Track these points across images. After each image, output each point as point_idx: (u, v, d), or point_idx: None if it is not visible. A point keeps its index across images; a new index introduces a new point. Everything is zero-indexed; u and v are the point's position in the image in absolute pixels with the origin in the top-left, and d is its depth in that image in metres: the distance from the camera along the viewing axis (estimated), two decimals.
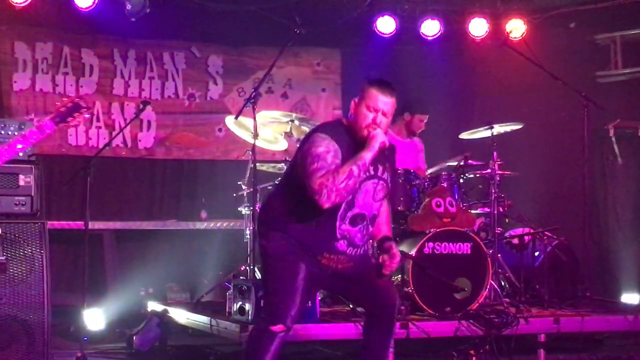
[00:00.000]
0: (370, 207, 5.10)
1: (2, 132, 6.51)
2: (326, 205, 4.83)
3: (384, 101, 5.03)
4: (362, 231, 5.10)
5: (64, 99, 5.46)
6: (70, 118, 5.39)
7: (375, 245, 5.35)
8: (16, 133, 6.50)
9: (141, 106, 7.76)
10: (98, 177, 8.79)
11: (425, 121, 8.62)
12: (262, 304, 5.25)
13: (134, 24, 9.19)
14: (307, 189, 4.86)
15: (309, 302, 6.60)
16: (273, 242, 5.10)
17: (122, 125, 9.60)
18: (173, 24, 9.82)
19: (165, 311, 7.96)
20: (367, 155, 4.90)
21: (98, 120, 9.73)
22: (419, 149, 8.69)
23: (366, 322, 5.41)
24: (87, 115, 5.52)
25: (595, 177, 9.94)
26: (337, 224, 5.02)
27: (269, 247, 5.13)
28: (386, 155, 5.16)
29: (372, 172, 5.07)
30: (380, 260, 5.19)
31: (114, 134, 9.57)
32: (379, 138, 4.94)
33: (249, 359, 5.07)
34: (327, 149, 4.92)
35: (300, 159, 5.02)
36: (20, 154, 5.86)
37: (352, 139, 5.02)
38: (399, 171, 7.75)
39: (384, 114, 5.02)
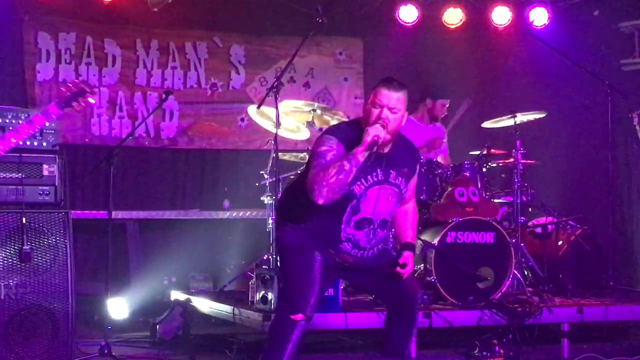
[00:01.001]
0: (377, 213, 5.08)
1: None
2: (320, 201, 4.84)
3: (389, 96, 4.98)
4: (369, 235, 5.10)
5: (68, 84, 5.48)
6: (75, 102, 5.40)
7: (399, 248, 5.34)
8: None
9: (164, 96, 7.77)
10: (121, 167, 8.88)
11: (447, 106, 8.60)
12: (281, 294, 5.28)
13: (156, 14, 9.22)
14: (307, 186, 4.91)
15: (331, 291, 6.62)
16: (288, 233, 5.16)
17: (145, 115, 9.61)
18: (195, 14, 9.83)
19: (188, 300, 7.99)
20: (359, 149, 4.86)
21: (121, 110, 9.75)
22: (441, 135, 8.67)
23: (387, 315, 5.41)
24: (92, 100, 5.49)
25: (619, 166, 9.86)
26: (342, 227, 5.05)
27: (283, 238, 5.20)
28: (404, 158, 5.14)
29: (381, 177, 5.05)
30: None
31: (136, 124, 9.58)
32: (372, 132, 4.87)
33: (271, 347, 5.10)
34: (329, 148, 4.94)
35: (309, 158, 5.09)
36: (28, 142, 6.09)
37: (360, 136, 5.01)
38: (422, 160, 7.74)
39: (390, 110, 4.97)
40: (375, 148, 4.87)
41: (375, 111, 4.98)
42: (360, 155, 4.86)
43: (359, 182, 4.98)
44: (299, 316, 5.01)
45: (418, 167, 5.39)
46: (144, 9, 9.16)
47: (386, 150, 5.05)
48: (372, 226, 5.09)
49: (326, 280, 5.26)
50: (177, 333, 7.78)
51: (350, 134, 5.02)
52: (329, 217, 5.01)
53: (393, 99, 4.98)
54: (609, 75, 8.69)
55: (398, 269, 5.18)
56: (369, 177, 5.02)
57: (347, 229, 5.05)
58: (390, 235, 5.36)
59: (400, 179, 5.12)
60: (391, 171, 5.08)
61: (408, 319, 5.31)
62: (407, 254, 5.23)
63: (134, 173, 9.79)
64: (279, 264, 5.27)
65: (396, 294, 5.27)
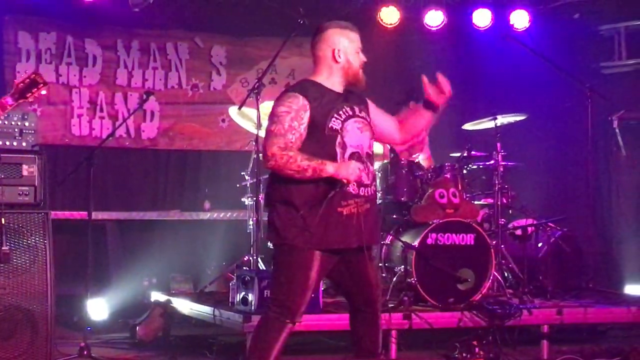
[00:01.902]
0: (360, 145, 5.04)
1: (6, 122, 6.50)
2: (267, 167, 4.91)
3: (356, 37, 5.16)
4: (364, 169, 5.00)
5: (22, 76, 5.67)
6: (29, 94, 5.67)
7: (425, 103, 5.39)
8: (19, 123, 6.51)
9: (144, 96, 7.76)
10: (101, 168, 8.85)
11: None
12: (270, 294, 5.18)
13: (138, 15, 9.19)
14: (262, 147, 4.91)
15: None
16: (284, 224, 4.94)
17: (126, 115, 9.59)
18: (176, 14, 9.81)
19: (169, 301, 7.97)
20: (329, 169, 4.82)
21: (102, 110, 9.72)
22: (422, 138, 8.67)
23: (351, 319, 5.30)
24: (43, 92, 5.75)
25: (599, 169, 9.93)
26: None
27: (279, 230, 4.97)
28: (356, 98, 5.14)
29: (350, 112, 5.02)
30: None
31: (117, 124, 9.56)
32: (353, 173, 4.87)
33: (256, 349, 5.00)
34: (289, 108, 4.90)
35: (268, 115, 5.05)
36: (7, 142, 6.23)
37: (335, 84, 5.08)
38: (402, 162, 7.76)
39: (362, 50, 5.14)
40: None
41: (361, 56, 5.15)
42: (325, 174, 4.83)
43: (333, 119, 4.95)
44: (290, 321, 4.97)
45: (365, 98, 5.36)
46: (125, 9, 9.12)
47: (342, 91, 5.10)
48: (362, 159, 5.02)
49: (318, 284, 5.22)
50: (157, 334, 7.76)
51: (314, 87, 5.05)
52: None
53: (358, 38, 5.16)
54: (590, 78, 8.73)
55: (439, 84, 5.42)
56: (340, 112, 4.98)
57: None
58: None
59: (363, 112, 5.12)
60: (354, 106, 5.07)
61: (372, 320, 5.21)
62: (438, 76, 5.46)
63: (115, 174, 9.76)
64: (273, 262, 5.12)
65: (359, 290, 5.16)
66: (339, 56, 5.10)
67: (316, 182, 4.88)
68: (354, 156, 5.00)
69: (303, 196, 4.91)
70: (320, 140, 4.92)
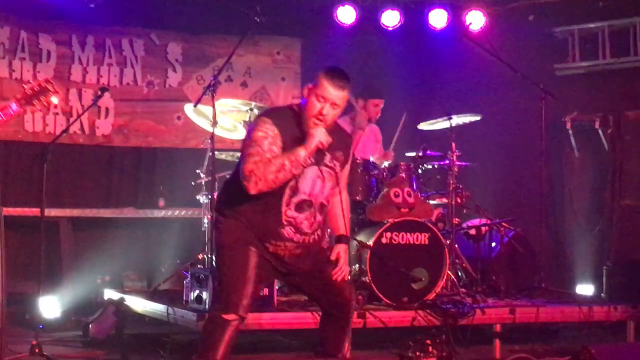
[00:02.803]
0: (315, 194, 5.06)
1: None
2: (253, 192, 4.83)
3: (334, 93, 4.94)
4: (310, 218, 5.07)
5: (30, 81, 5.42)
6: (37, 100, 5.37)
7: (335, 240, 5.33)
8: None
9: (99, 93, 7.69)
10: (55, 164, 8.72)
11: (381, 106, 8.63)
12: (216, 293, 5.25)
13: (93, 10, 9.13)
14: (239, 172, 4.88)
15: (266, 291, 6.61)
16: (225, 230, 5.12)
17: (80, 112, 9.52)
18: (132, 10, 9.75)
19: (122, 299, 7.91)
20: (302, 153, 4.86)
21: (55, 106, 9.62)
22: (376, 136, 8.70)
23: (322, 318, 5.41)
24: (54, 100, 5.48)
25: (553, 170, 10.00)
26: (283, 209, 5.00)
27: (220, 235, 5.16)
28: (337, 144, 5.11)
29: (315, 160, 5.01)
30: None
31: (71, 120, 9.48)
32: (317, 137, 4.88)
33: (204, 347, 5.07)
34: (265, 134, 4.90)
35: (242, 142, 5.05)
36: None
37: (298, 126, 4.99)
38: (358, 161, 7.77)
39: (332, 105, 4.95)
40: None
41: (318, 105, 4.94)
42: (302, 158, 4.86)
43: None
44: (232, 316, 4.98)
45: (351, 155, 5.38)
46: (80, 5, 9.06)
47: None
48: (311, 209, 5.05)
49: (262, 281, 5.25)
50: (110, 332, 7.70)
51: (287, 120, 4.99)
52: (269, 202, 4.96)
53: (336, 95, 4.95)
54: (544, 80, 8.80)
55: (336, 272, 5.18)
56: None
57: (288, 211, 5.00)
58: (328, 230, 5.34)
59: (334, 162, 5.10)
60: (326, 153, 5.05)
61: (342, 323, 5.31)
62: (341, 246, 5.24)
63: (68, 170, 9.69)
64: (215, 262, 5.21)
65: (331, 297, 5.26)
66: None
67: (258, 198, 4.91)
68: (304, 203, 5.03)
69: (245, 208, 5.00)
70: None
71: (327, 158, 5.06)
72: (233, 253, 5.07)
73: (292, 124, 4.97)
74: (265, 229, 5.03)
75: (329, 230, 5.40)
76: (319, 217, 5.12)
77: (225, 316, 4.99)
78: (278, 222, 5.01)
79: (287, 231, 5.03)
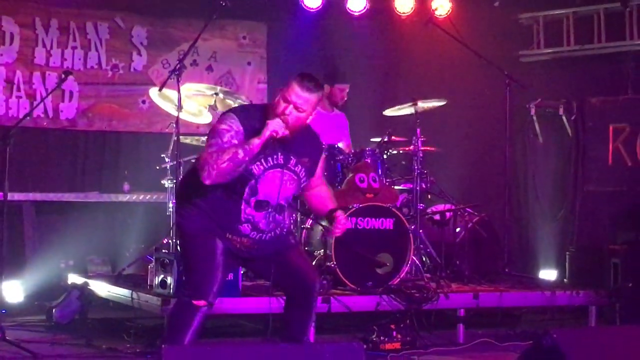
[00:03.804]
0: (275, 196, 5.09)
1: None
2: (207, 182, 4.86)
3: (300, 95, 4.98)
4: (267, 217, 5.11)
5: None
6: None
7: (325, 217, 5.34)
8: None
9: (63, 76, 7.64)
10: (18, 148, 8.62)
11: (346, 91, 8.63)
12: (183, 279, 5.26)
13: None
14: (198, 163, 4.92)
15: (231, 276, 6.61)
16: (188, 218, 5.15)
17: (44, 95, 9.44)
18: None
19: (86, 284, 7.89)
20: (255, 141, 4.87)
21: (19, 90, 9.54)
22: (342, 123, 8.71)
23: (286, 302, 5.42)
24: None
25: (517, 155, 10.08)
26: (242, 207, 5.04)
27: (184, 223, 5.18)
28: (305, 149, 5.15)
29: (280, 161, 5.06)
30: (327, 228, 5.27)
31: (34, 104, 9.40)
32: (271, 126, 4.90)
33: (171, 332, 5.08)
34: (228, 127, 4.94)
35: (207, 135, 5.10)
36: None
37: (263, 125, 5.00)
38: (323, 146, 7.75)
39: (297, 108, 4.98)
40: (272, 141, 4.90)
41: (282, 105, 4.98)
42: (256, 147, 4.87)
43: (258, 163, 4.98)
44: (202, 302, 5.02)
45: (322, 159, 5.40)
46: None
47: (290, 136, 5.05)
48: (269, 209, 5.09)
49: (228, 267, 5.27)
50: (74, 317, 7.68)
51: (255, 118, 5.01)
52: (229, 197, 5.00)
53: (302, 98, 4.99)
54: (508, 66, 8.85)
55: (336, 225, 5.20)
56: (269, 158, 5.02)
57: (247, 209, 5.04)
58: (288, 221, 5.36)
59: (300, 167, 5.13)
60: (292, 157, 5.08)
61: (306, 306, 5.32)
62: (338, 211, 5.25)
63: (32, 154, 9.59)
64: (179, 249, 5.22)
65: (294, 282, 5.29)
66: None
67: (218, 188, 4.94)
68: (263, 203, 5.07)
69: (206, 199, 5.04)
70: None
71: (292, 162, 5.10)
72: (199, 240, 5.10)
73: (259, 123, 4.98)
74: (224, 222, 5.07)
75: (293, 215, 5.43)
76: (277, 217, 5.17)
77: (195, 302, 5.02)
78: (237, 218, 5.06)
79: (245, 227, 5.09)
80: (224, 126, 4.96)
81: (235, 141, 4.91)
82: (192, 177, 5.18)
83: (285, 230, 5.25)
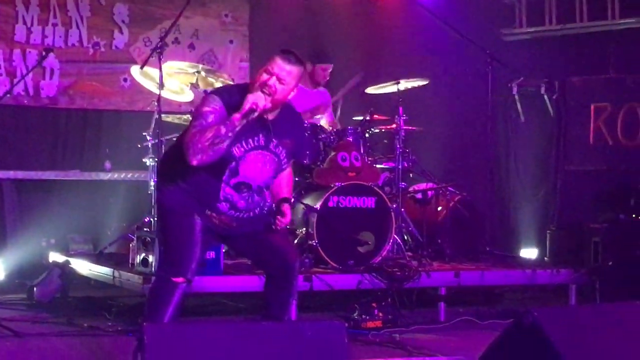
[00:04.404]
0: (255, 178, 5.08)
1: None
2: (193, 162, 4.83)
3: (282, 66, 4.95)
4: (247, 199, 5.10)
5: None
6: None
7: (274, 206, 5.33)
8: None
9: (44, 54, 7.59)
10: None
11: (329, 71, 8.62)
12: (162, 256, 5.26)
13: None
14: (182, 144, 4.90)
15: (213, 254, 6.62)
16: (167, 195, 5.16)
17: (24, 73, 9.37)
18: None
19: (67, 262, 7.88)
20: (236, 115, 4.84)
21: None
22: (326, 99, 8.69)
23: (266, 281, 5.41)
24: None
25: (498, 134, 10.10)
26: (222, 185, 5.03)
27: (163, 200, 5.21)
28: (287, 130, 5.13)
29: (261, 143, 5.04)
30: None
31: (15, 81, 9.33)
32: (251, 99, 4.85)
33: (150, 310, 5.08)
34: (212, 109, 4.91)
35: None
36: None
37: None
38: (305, 125, 7.76)
39: (279, 79, 4.94)
40: (256, 114, 4.86)
41: (265, 77, 4.95)
42: (237, 121, 4.84)
43: (238, 145, 4.96)
44: (180, 279, 5.01)
45: (304, 138, 5.40)
46: None
47: (271, 117, 5.03)
48: (249, 191, 5.08)
49: (207, 244, 5.26)
50: (55, 295, 7.67)
51: (236, 98, 4.97)
52: (209, 176, 4.99)
53: (285, 70, 4.95)
54: (490, 45, 8.84)
55: (278, 218, 5.18)
56: (250, 140, 5.00)
57: (227, 188, 5.03)
58: (270, 201, 5.34)
59: (280, 148, 5.12)
60: (273, 139, 5.06)
61: (287, 286, 5.30)
62: (285, 205, 5.24)
63: (12, 132, 9.54)
64: (158, 225, 5.22)
65: (274, 261, 5.28)
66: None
67: (199, 168, 4.92)
68: (242, 185, 5.06)
69: (186, 178, 5.03)
70: None
71: (273, 143, 5.08)
72: (177, 217, 5.10)
73: (242, 101, 4.94)
74: (203, 200, 5.06)
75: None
76: (256, 198, 5.16)
77: (174, 279, 5.02)
78: (216, 196, 5.04)
79: (223, 206, 5.08)
80: (207, 108, 4.93)
81: (219, 121, 4.89)
82: (173, 155, 5.17)
83: (265, 209, 5.24)
